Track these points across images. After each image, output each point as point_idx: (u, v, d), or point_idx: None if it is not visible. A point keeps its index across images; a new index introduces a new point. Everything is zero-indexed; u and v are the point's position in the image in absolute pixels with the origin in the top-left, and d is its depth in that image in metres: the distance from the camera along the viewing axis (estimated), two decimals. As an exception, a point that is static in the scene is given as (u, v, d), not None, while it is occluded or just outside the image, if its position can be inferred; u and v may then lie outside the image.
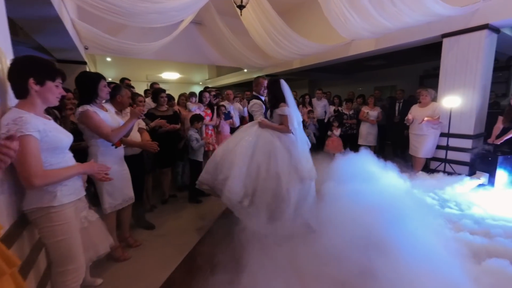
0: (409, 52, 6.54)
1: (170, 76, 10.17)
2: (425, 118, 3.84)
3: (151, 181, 3.46)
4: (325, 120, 6.02)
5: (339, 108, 5.95)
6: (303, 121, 5.66)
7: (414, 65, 7.90)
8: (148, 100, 3.90)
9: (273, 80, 2.65)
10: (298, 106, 6.09)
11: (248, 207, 2.35)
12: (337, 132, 5.46)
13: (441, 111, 3.93)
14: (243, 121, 5.13)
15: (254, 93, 3.02)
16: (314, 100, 6.05)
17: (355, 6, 3.69)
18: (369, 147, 5.39)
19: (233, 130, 4.65)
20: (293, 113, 2.51)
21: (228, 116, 4.59)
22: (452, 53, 3.91)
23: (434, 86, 6.53)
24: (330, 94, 6.58)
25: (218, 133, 4.47)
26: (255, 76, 8.79)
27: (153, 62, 8.46)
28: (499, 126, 3.45)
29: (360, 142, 5.45)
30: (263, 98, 2.94)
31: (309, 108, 5.88)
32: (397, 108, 5.41)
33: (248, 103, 2.96)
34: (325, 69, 9.02)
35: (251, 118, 2.93)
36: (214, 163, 2.57)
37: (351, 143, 5.58)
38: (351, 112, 5.62)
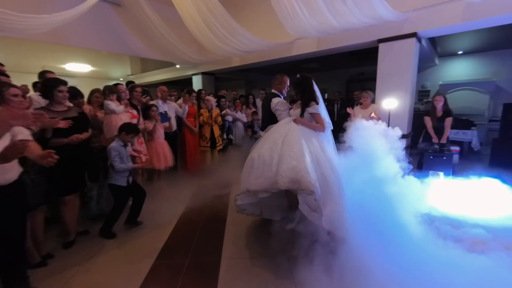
0: (339, 58, 7.04)
1: (77, 68, 8.10)
2: (372, 114, 3.93)
3: (41, 217, 2.25)
4: (244, 121, 5.77)
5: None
6: (249, 122, 5.27)
7: (341, 70, 8.60)
8: (36, 96, 2.73)
9: (306, 77, 2.53)
10: (242, 107, 5.70)
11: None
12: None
13: (381, 112, 4.14)
14: (181, 124, 4.33)
15: (274, 91, 2.90)
16: (258, 101, 5.72)
17: (306, 0, 3.47)
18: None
19: (167, 135, 3.83)
20: (324, 112, 2.48)
21: (165, 118, 3.74)
22: (387, 58, 4.17)
23: (358, 89, 7.23)
24: (272, 94, 6.38)
25: (150, 140, 3.57)
26: (190, 73, 8.07)
27: (54, 49, 6.48)
28: (430, 126, 3.83)
29: (305, 143, 5.41)
30: (282, 97, 2.86)
31: (253, 109, 5.51)
32: (336, 109, 5.62)
33: (268, 100, 2.83)
34: (263, 69, 8.94)
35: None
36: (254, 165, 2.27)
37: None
38: (295, 113, 5.53)
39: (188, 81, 7.86)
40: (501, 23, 3.40)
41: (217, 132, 4.72)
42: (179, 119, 4.28)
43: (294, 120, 2.40)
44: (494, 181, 3.31)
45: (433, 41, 5.56)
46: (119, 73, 9.80)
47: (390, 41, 4.08)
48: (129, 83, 4.35)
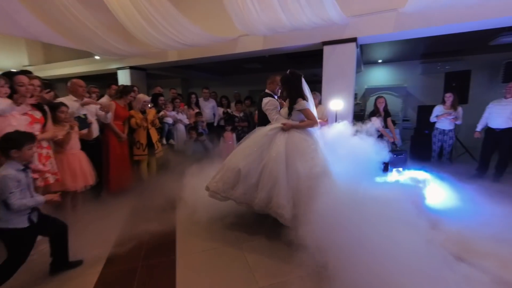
0: (280, 60, 7.15)
1: None
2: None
3: None
4: (215, 124, 5.31)
5: (228, 110, 5.43)
6: (193, 124, 4.70)
7: (280, 72, 8.78)
8: None
9: (295, 74, 2.49)
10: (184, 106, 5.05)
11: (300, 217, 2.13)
12: (230, 136, 4.89)
13: (328, 113, 4.26)
14: (105, 130, 3.44)
15: (267, 91, 2.90)
16: (201, 101, 5.19)
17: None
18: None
19: (85, 144, 2.95)
20: (313, 109, 2.48)
21: (84, 123, 2.85)
22: (331, 60, 4.31)
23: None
24: (215, 94, 5.94)
25: (59, 152, 2.64)
26: (113, 66, 6.79)
27: None
28: (379, 126, 4.12)
29: (255, 146, 5.18)
30: (276, 97, 2.86)
31: (197, 110, 4.95)
32: (282, 110, 5.59)
33: (260, 100, 2.85)
34: (202, 67, 8.35)
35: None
36: (241, 177, 2.36)
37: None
38: (241, 115, 5.24)
39: (112, 76, 6.60)
40: (427, 34, 3.90)
41: (155, 136, 3.99)
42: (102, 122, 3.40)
43: (283, 128, 2.39)
44: (422, 172, 3.77)
45: (361, 48, 6.16)
46: (10, 63, 7.55)
47: (334, 44, 4.22)
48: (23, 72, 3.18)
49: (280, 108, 2.73)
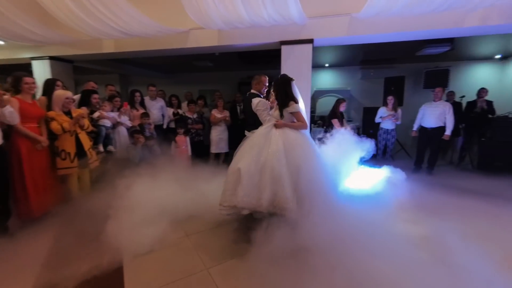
0: (232, 59, 6.88)
1: None
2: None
3: None
4: (164, 126, 4.70)
5: (178, 111, 4.89)
6: (138, 126, 4.04)
7: (233, 72, 8.53)
8: None
9: (286, 78, 2.55)
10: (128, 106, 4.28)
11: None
12: (184, 140, 4.39)
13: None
14: (11, 135, 2.59)
15: (253, 91, 2.98)
16: (147, 100, 4.51)
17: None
18: (221, 154, 4.91)
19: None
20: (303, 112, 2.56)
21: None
22: (290, 60, 4.25)
23: (248, 90, 7.36)
24: (163, 93, 5.29)
25: None
26: (26, 56, 5.41)
27: None
28: (339, 126, 4.20)
29: (212, 150, 4.77)
30: (262, 97, 2.94)
31: (142, 110, 4.29)
32: (238, 110, 5.33)
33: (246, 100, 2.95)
34: (143, 63, 7.46)
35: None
36: (241, 178, 2.25)
37: (199, 152, 4.75)
38: (195, 116, 4.77)
39: (24, 68, 5.26)
40: (374, 40, 4.16)
41: (87, 143, 3.21)
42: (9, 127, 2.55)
43: (275, 125, 2.42)
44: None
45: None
46: None
47: (292, 44, 4.17)
48: None
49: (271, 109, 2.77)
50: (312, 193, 2.20)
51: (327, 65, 7.68)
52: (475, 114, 4.92)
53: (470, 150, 4.96)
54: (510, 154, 4.25)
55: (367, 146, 3.07)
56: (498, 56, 6.53)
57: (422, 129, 4.59)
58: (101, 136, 3.57)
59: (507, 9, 3.34)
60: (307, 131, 2.62)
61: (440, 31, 3.78)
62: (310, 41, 4.09)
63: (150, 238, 2.33)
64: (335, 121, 4.24)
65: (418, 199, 3.18)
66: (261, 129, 2.52)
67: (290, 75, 4.27)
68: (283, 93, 2.51)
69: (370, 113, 5.42)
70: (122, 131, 3.86)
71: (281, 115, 2.51)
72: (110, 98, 3.88)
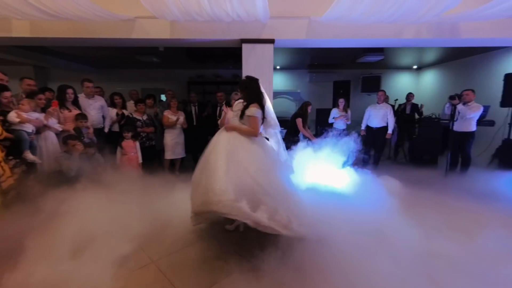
0: (180, 56, 6.36)
1: None
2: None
3: None
4: (106, 129, 3.95)
5: (124, 111, 4.21)
6: (73, 130, 3.27)
7: (182, 70, 7.91)
8: None
9: (253, 79, 2.48)
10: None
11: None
12: (132, 146, 3.77)
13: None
14: None
15: None
16: (82, 98, 3.69)
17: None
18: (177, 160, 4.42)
19: None
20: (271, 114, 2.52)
21: None
22: (251, 59, 4.10)
23: (198, 91, 6.94)
24: (101, 90, 4.45)
25: None
26: None
27: None
28: (301, 126, 4.22)
29: (167, 156, 4.24)
30: None
31: (77, 111, 3.49)
32: (194, 111, 4.90)
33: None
34: (71, 53, 6.22)
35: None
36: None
37: (151, 159, 4.17)
38: (145, 117, 4.16)
39: None
40: (331, 45, 4.35)
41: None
42: None
43: (225, 128, 2.35)
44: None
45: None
46: None
47: (253, 43, 4.03)
48: None
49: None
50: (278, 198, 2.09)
51: (278, 67, 7.85)
52: (406, 115, 5.73)
53: (403, 146, 5.73)
54: (435, 149, 5.06)
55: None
56: (415, 67, 7.81)
57: (368, 128, 5.07)
58: (24, 141, 2.73)
59: (433, 26, 3.94)
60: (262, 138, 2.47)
61: (383, 40, 4.21)
62: (272, 41, 4.03)
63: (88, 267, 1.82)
64: (299, 121, 4.30)
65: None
66: (216, 136, 2.39)
67: (251, 75, 4.17)
68: (252, 95, 2.38)
69: (322, 114, 5.73)
70: (51, 137, 3.05)
71: (241, 117, 2.35)
72: (30, 95, 3.01)
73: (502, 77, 4.75)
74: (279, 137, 2.70)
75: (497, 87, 4.98)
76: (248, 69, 4.10)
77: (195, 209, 2.17)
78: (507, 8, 3.08)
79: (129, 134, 3.73)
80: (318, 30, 3.97)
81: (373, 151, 5.10)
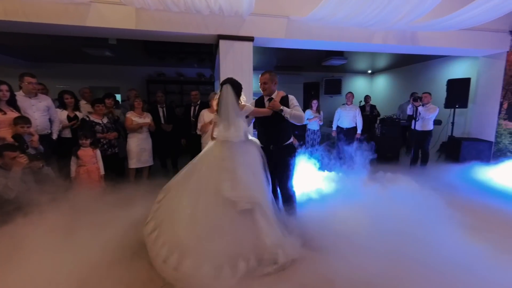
0: (134, 51, 5.68)
1: None
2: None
3: None
4: (54, 136, 3.20)
5: (77, 114, 3.50)
6: (13, 138, 2.55)
7: (139, 68, 7.09)
8: None
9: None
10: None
11: None
12: (92, 155, 3.14)
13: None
14: None
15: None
16: (21, 97, 2.89)
17: None
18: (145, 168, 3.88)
19: None
20: None
21: None
22: (229, 56, 3.83)
23: (160, 90, 6.32)
24: (44, 87, 3.62)
25: None
26: None
27: None
28: None
29: (132, 164, 3.66)
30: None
31: (15, 113, 2.73)
32: (161, 113, 4.38)
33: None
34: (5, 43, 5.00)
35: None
36: None
37: (113, 169, 3.56)
38: (105, 121, 3.52)
39: None
40: (313, 47, 4.36)
41: None
42: None
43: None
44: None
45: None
46: None
47: (231, 40, 3.77)
48: None
49: None
50: None
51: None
52: (368, 116, 6.15)
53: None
54: (397, 146, 5.54)
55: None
56: (369, 71, 8.51)
57: (339, 128, 5.27)
58: None
59: (398, 34, 4.27)
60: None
61: (355, 44, 4.39)
62: (251, 38, 3.83)
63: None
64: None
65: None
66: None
67: (230, 74, 3.92)
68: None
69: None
70: (-23, 148, 2.29)
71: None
72: None
73: (444, 82, 5.44)
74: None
75: (440, 90, 5.70)
76: (226, 68, 3.83)
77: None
78: (460, 21, 3.49)
79: (88, 141, 3.09)
80: (297, 30, 3.93)
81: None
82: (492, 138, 5.07)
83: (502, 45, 4.68)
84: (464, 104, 5.13)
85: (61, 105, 3.38)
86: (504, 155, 4.93)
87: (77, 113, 3.48)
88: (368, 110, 6.41)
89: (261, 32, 3.84)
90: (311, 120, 5.14)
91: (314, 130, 5.21)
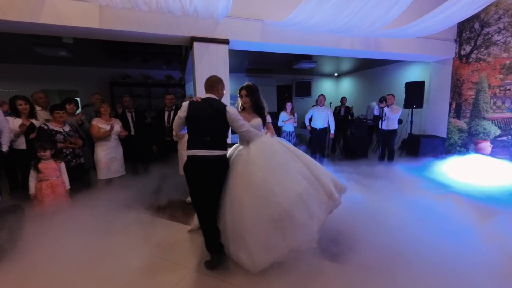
0: (94, 50, 5.25)
1: None
2: None
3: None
4: (4, 148, 2.78)
5: (33, 121, 3.10)
6: None
7: (100, 69, 6.54)
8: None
9: (256, 88, 2.38)
10: None
11: None
12: (55, 168, 2.80)
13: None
14: None
15: (216, 97, 2.17)
16: None
17: None
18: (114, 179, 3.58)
19: None
20: None
21: None
22: (204, 59, 3.73)
23: (125, 93, 5.94)
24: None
25: None
26: None
27: None
28: None
29: (101, 175, 3.34)
30: None
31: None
32: (130, 119, 4.10)
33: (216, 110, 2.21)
34: None
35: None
36: None
37: (80, 181, 3.22)
38: (67, 129, 3.16)
39: None
40: (286, 50, 4.43)
41: None
42: None
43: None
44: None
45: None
46: None
47: (206, 42, 3.67)
48: None
49: None
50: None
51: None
52: (340, 116, 6.47)
53: (339, 143, 6.45)
54: (365, 144, 5.90)
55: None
56: (336, 74, 8.97)
57: (313, 129, 5.45)
58: None
59: (363, 40, 4.55)
60: None
61: (325, 49, 4.58)
62: (226, 41, 3.77)
63: None
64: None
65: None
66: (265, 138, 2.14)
67: (204, 75, 3.82)
68: (260, 102, 2.34)
69: (270, 117, 5.81)
70: None
71: (264, 124, 2.30)
72: None
73: (402, 85, 5.95)
74: None
75: (399, 92, 6.21)
76: (201, 70, 3.72)
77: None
78: (419, 29, 3.85)
79: (47, 153, 2.74)
80: (271, 34, 3.98)
81: (318, 149, 5.53)
82: (444, 135, 5.68)
83: (449, 52, 5.27)
84: (420, 104, 5.66)
85: (14, 112, 2.95)
86: (454, 150, 5.55)
87: (34, 121, 3.07)
88: (343, 111, 6.73)
89: (235, 35, 3.80)
90: (286, 122, 5.22)
91: (289, 132, 5.31)
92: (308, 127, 5.49)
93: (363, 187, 3.53)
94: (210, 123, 2.01)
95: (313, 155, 5.47)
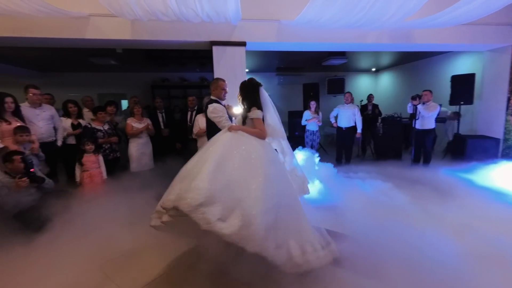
0: (140, 59, 5.90)
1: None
2: None
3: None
4: (59, 143, 3.43)
5: (80, 121, 3.72)
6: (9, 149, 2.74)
7: (143, 74, 7.36)
8: None
9: (252, 83, 2.35)
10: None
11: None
12: (94, 160, 3.33)
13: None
14: None
15: (212, 97, 2.77)
16: (26, 108, 3.13)
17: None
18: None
19: None
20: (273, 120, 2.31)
21: None
22: (222, 62, 3.94)
23: (163, 96, 6.53)
24: (51, 97, 3.88)
25: None
26: None
27: None
28: None
29: (133, 168, 3.84)
30: (222, 104, 2.74)
31: (19, 123, 2.95)
32: (161, 119, 4.55)
33: (206, 107, 2.69)
34: (5, 55, 5.36)
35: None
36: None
37: (115, 173, 3.75)
38: (106, 127, 3.72)
39: None
40: (303, 49, 4.40)
41: None
42: None
43: (229, 128, 2.17)
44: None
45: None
46: None
47: (223, 45, 3.88)
48: None
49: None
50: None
51: (247, 70, 7.76)
52: (368, 115, 6.07)
53: (370, 144, 6.05)
54: (398, 145, 5.43)
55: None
56: (374, 69, 8.37)
57: (338, 128, 5.24)
58: None
59: (392, 32, 4.21)
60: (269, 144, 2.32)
61: (348, 44, 4.38)
62: (243, 43, 3.92)
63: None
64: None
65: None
66: (217, 135, 2.21)
67: (222, 77, 4.02)
68: (247, 98, 2.29)
69: (295, 116, 5.78)
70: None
71: (244, 122, 2.25)
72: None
73: (448, 79, 5.28)
74: (285, 146, 2.50)
75: (444, 87, 5.53)
76: (220, 72, 3.93)
77: (164, 203, 1.80)
78: (454, 17, 3.41)
79: (91, 147, 3.28)
80: (288, 33, 3.98)
81: (344, 150, 5.30)
82: (500, 135, 4.88)
83: (505, 39, 4.50)
84: (469, 101, 4.96)
85: (65, 113, 3.61)
86: (512, 153, 4.73)
87: (80, 120, 3.70)
88: (370, 109, 6.31)
89: (251, 36, 3.92)
90: (309, 121, 5.14)
91: (313, 131, 5.21)
92: (334, 125, 5.29)
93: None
94: (207, 120, 2.59)
95: (338, 158, 5.27)
